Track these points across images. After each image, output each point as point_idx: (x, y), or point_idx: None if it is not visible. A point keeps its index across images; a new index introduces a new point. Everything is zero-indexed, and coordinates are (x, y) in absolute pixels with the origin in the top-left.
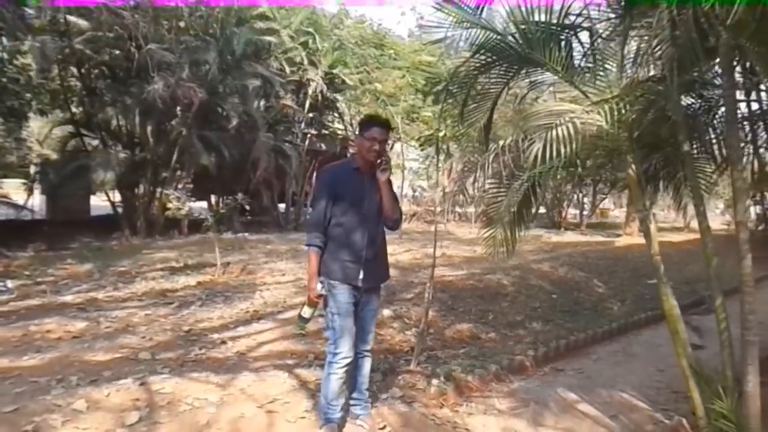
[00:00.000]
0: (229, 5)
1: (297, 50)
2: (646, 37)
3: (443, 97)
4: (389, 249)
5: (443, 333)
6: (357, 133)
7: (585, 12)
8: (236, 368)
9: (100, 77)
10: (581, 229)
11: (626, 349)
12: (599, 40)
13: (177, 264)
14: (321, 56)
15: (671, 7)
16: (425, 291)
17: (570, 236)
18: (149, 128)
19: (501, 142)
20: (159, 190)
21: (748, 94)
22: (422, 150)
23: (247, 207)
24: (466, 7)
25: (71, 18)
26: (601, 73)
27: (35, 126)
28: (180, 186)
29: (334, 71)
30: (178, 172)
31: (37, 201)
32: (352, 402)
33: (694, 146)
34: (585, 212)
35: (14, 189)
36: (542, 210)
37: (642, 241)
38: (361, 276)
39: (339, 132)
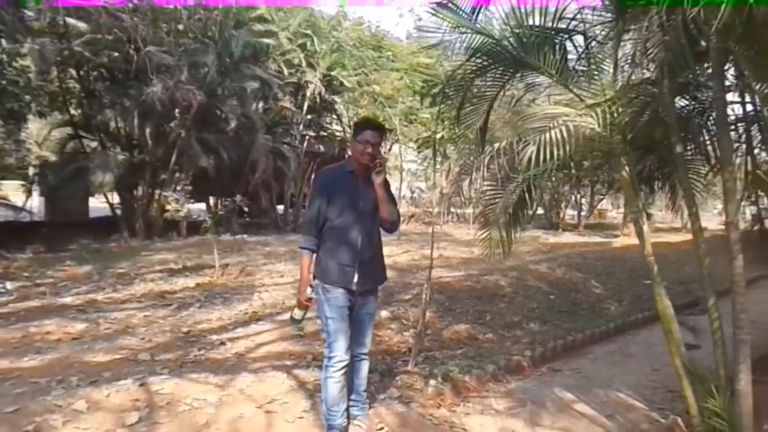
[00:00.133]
0: (227, 6)
1: (295, 52)
2: (639, 41)
3: (440, 100)
4: (387, 251)
5: (441, 334)
6: (351, 136)
7: (579, 16)
8: (235, 369)
9: (99, 79)
10: (579, 230)
11: (623, 349)
12: (593, 43)
13: (176, 266)
14: (319, 58)
15: (660, 12)
16: (423, 292)
17: (568, 237)
18: (148, 130)
19: (496, 145)
20: (158, 191)
21: (742, 96)
22: (419, 152)
23: (246, 209)
24: (461, 12)
25: (70, 20)
26: (596, 76)
27: (34, 128)
28: (179, 188)
29: (333, 73)
30: (177, 174)
31: (36, 203)
32: (349, 403)
33: (689, 148)
34: (583, 213)
35: (13, 191)
36: (540, 211)
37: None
38: (355, 279)
39: (337, 134)
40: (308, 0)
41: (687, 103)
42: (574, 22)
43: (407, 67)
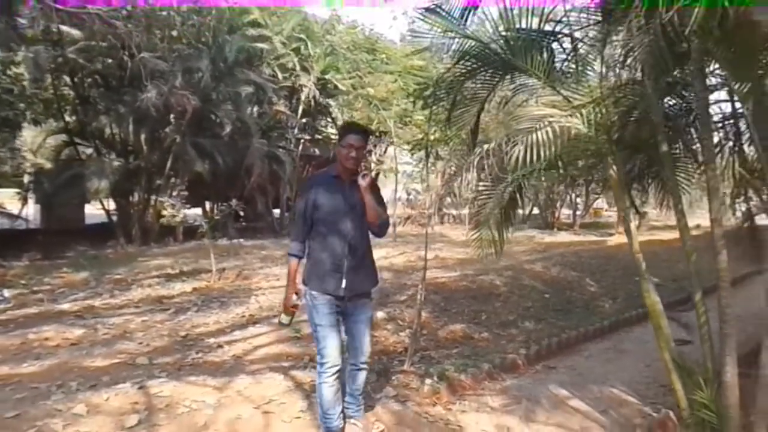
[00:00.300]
0: (221, 11)
1: (289, 56)
2: (624, 43)
3: (431, 102)
4: (383, 252)
5: (436, 334)
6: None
7: (566, 19)
8: (233, 371)
9: (93, 86)
10: (574, 229)
11: (617, 345)
12: (581, 45)
13: (173, 271)
14: (313, 62)
15: (639, 16)
16: (417, 293)
17: (563, 236)
18: (143, 136)
19: (486, 146)
20: (153, 197)
21: (731, 94)
22: (412, 154)
23: (242, 213)
24: (449, 17)
25: (64, 28)
26: (584, 78)
27: (29, 135)
28: (174, 193)
29: (327, 76)
30: (173, 180)
31: (32, 210)
32: (345, 405)
33: (677, 147)
34: (578, 212)
35: (8, 199)
36: (536, 211)
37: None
38: (343, 285)
39: (332, 137)
40: (301, 2)
41: (675, 102)
42: (560, 25)
43: (401, 70)
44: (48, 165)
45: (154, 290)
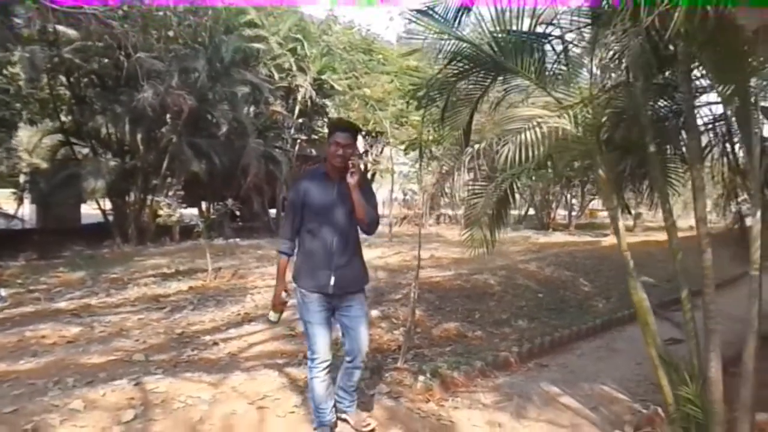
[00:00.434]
0: (217, 11)
1: (285, 57)
2: (613, 45)
3: (425, 102)
4: (378, 252)
5: (430, 332)
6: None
7: (556, 21)
8: (228, 368)
9: (89, 86)
10: (570, 230)
11: (609, 344)
12: (571, 46)
13: (169, 270)
14: (310, 62)
15: (624, 20)
16: (411, 291)
17: (558, 237)
18: (139, 136)
19: (476, 146)
20: (150, 197)
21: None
22: (406, 154)
23: (238, 213)
24: (440, 19)
25: (60, 27)
26: (574, 79)
27: (25, 135)
28: (171, 193)
29: (323, 77)
30: (169, 179)
31: (28, 210)
32: (338, 399)
33: (667, 148)
34: (574, 213)
35: (4, 198)
36: (531, 211)
37: (629, 240)
38: (332, 282)
39: None
40: (298, 3)
41: (666, 104)
42: (551, 27)
43: (398, 70)
44: (44, 165)
45: (150, 289)
